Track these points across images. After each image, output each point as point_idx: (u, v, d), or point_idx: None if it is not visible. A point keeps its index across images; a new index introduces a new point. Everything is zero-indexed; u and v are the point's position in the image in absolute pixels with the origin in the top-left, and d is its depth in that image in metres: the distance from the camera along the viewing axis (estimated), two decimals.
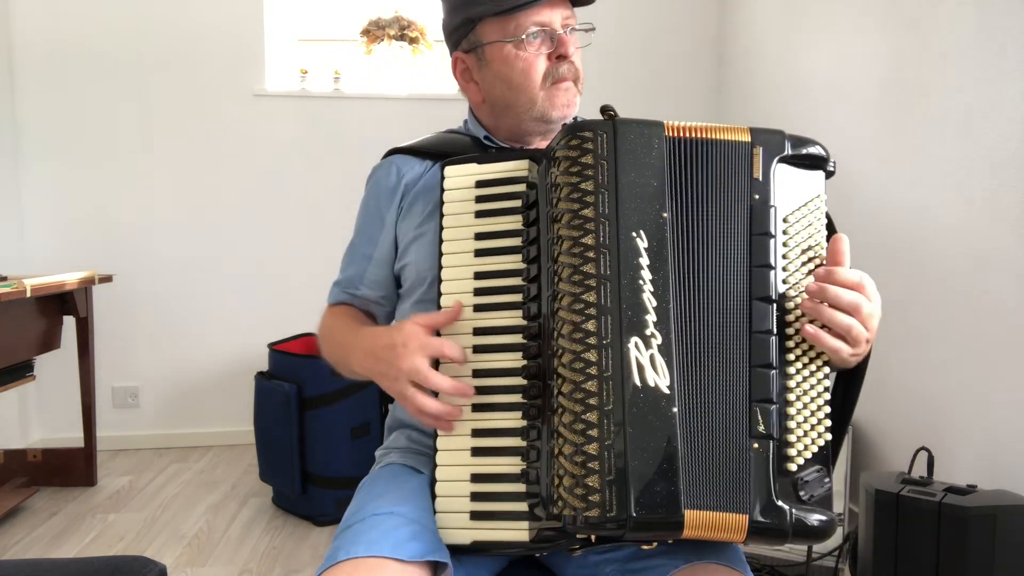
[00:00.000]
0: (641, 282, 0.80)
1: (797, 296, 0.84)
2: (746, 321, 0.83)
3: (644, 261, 0.81)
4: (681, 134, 0.85)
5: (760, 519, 0.78)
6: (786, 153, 0.87)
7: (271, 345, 2.68)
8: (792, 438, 0.81)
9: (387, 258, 1.14)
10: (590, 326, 0.80)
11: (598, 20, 1.14)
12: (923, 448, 1.76)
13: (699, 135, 0.86)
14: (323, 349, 1.15)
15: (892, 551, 1.62)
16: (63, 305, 2.72)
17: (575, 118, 1.12)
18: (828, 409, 0.84)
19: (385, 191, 1.14)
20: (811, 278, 0.85)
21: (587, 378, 0.79)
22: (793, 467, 0.81)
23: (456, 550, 0.88)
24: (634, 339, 0.79)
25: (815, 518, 0.79)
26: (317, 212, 3.29)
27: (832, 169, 0.90)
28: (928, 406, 2.01)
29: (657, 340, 0.79)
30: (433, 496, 0.90)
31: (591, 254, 0.81)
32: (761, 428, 0.80)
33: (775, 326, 0.83)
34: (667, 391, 0.79)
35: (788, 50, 2.86)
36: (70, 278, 2.60)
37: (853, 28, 2.39)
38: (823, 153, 0.89)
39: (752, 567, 0.95)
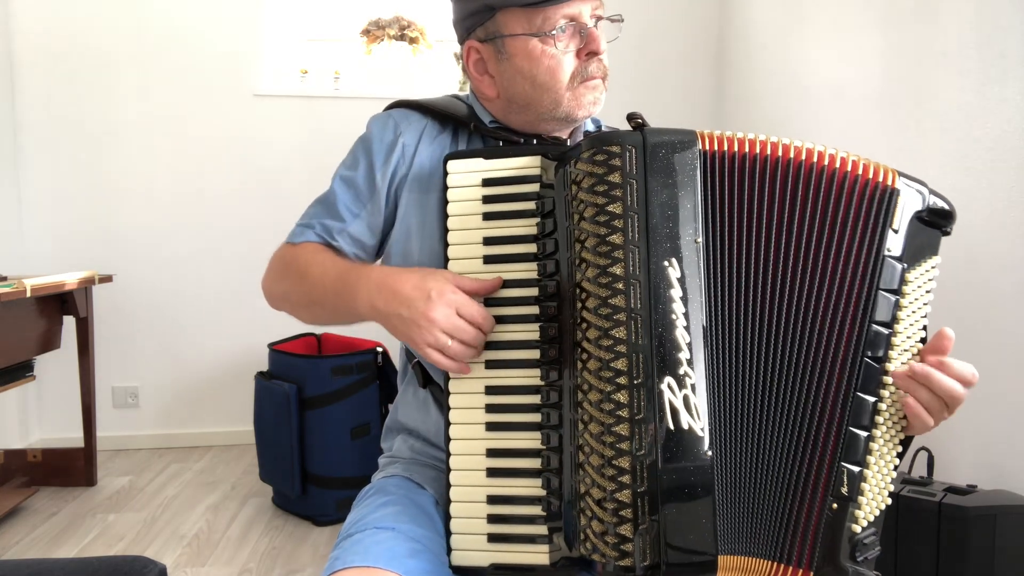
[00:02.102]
0: (674, 316, 0.74)
1: (898, 359, 0.79)
2: (848, 377, 0.77)
3: (676, 293, 0.75)
4: (721, 147, 0.78)
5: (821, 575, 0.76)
6: (923, 207, 0.80)
7: (271, 345, 2.68)
8: (863, 500, 0.78)
9: (374, 224, 1.04)
10: (620, 364, 0.74)
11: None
12: (923, 448, 1.76)
13: (754, 151, 0.78)
14: (291, 283, 1.03)
15: (892, 551, 1.62)
16: (63, 305, 2.71)
17: (599, 127, 1.09)
18: (895, 475, 0.81)
19: (380, 147, 1.03)
20: (913, 339, 0.81)
21: (617, 420, 0.74)
22: (857, 528, 0.78)
23: (470, 571, 0.85)
24: (667, 379, 0.73)
25: None
26: None
27: (949, 230, 0.83)
28: None
29: (691, 379, 0.74)
30: (447, 517, 0.86)
31: (620, 285, 0.75)
32: (844, 490, 0.77)
33: (878, 387, 0.78)
34: (701, 433, 0.73)
35: (788, 50, 2.86)
36: (70, 278, 2.60)
37: (853, 28, 2.39)
38: (951, 210, 0.82)
39: None
